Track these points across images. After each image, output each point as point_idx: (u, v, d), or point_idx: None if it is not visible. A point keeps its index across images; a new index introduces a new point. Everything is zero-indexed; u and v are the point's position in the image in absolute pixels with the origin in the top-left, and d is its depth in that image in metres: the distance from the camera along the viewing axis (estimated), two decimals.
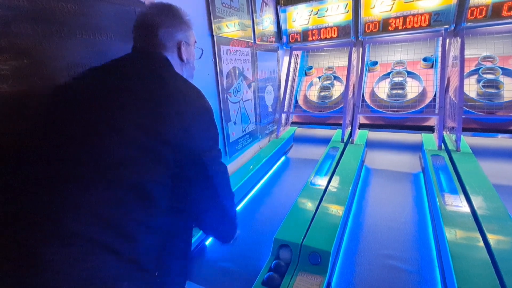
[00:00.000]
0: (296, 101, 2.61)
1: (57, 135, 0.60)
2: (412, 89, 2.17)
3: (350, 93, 2.31)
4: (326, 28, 2.36)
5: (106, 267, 0.52)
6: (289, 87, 2.53)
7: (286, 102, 2.48)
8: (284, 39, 2.56)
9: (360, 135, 2.19)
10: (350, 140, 2.08)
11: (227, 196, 0.78)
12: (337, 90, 2.46)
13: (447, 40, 2.04)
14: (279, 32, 2.54)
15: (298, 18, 2.43)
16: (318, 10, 2.34)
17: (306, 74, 2.73)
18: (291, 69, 2.59)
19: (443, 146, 1.81)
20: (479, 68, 1.98)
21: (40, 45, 0.80)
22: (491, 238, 0.98)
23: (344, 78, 2.39)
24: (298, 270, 0.97)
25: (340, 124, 2.27)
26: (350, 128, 2.23)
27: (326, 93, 2.47)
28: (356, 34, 2.27)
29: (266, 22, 2.28)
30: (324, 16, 2.34)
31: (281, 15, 2.44)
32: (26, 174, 0.56)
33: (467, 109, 1.87)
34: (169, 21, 0.79)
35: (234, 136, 1.87)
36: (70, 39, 0.87)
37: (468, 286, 0.80)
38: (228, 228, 0.83)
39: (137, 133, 0.59)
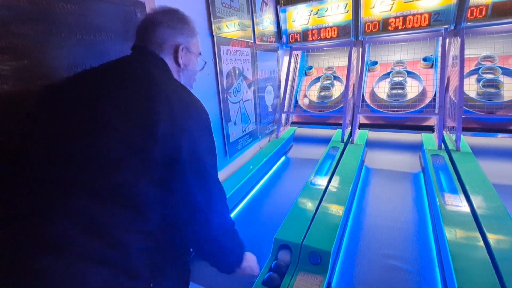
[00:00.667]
0: (296, 101, 2.61)
1: (45, 138, 0.58)
2: (412, 88, 2.17)
3: (350, 93, 2.31)
4: (326, 28, 2.36)
5: (98, 278, 0.51)
6: (289, 87, 2.53)
7: (286, 102, 2.48)
8: (284, 39, 2.56)
9: (360, 135, 2.19)
10: (350, 140, 2.08)
11: (219, 203, 0.73)
12: (337, 90, 2.46)
13: (447, 40, 2.04)
14: (279, 32, 2.54)
15: (298, 18, 2.43)
16: (318, 10, 2.34)
17: (306, 74, 2.73)
18: (291, 69, 2.59)
19: (443, 146, 1.81)
20: (479, 68, 1.98)
21: (40, 46, 0.80)
22: (491, 237, 0.98)
23: (344, 78, 2.39)
24: (298, 270, 0.97)
25: (340, 124, 2.27)
26: (350, 128, 2.23)
27: (326, 93, 2.47)
28: (356, 34, 2.27)
29: (266, 22, 2.28)
30: (324, 16, 2.34)
31: (281, 15, 2.44)
32: (15, 179, 0.55)
33: (467, 109, 1.86)
34: (170, 22, 0.76)
35: (234, 136, 1.87)
36: (70, 39, 0.87)
37: (468, 286, 0.80)
38: (230, 245, 0.79)
39: (126, 134, 0.57)
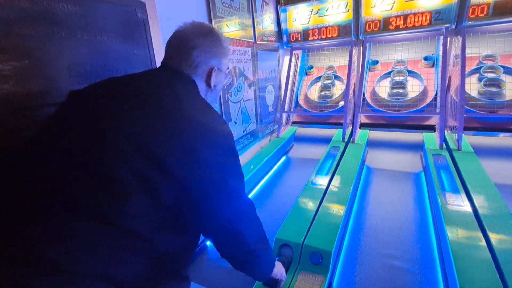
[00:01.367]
0: (297, 101, 2.61)
1: (44, 149, 0.56)
2: (413, 88, 2.17)
3: (351, 93, 2.30)
4: (326, 27, 2.36)
5: None
6: (289, 86, 2.53)
7: (286, 102, 2.47)
8: (285, 38, 2.55)
9: (361, 134, 2.19)
10: (351, 139, 2.08)
11: (254, 240, 0.71)
12: (338, 89, 2.45)
13: (448, 39, 2.03)
14: (279, 32, 2.54)
15: (299, 18, 2.43)
16: (319, 9, 2.33)
17: (306, 74, 2.72)
18: (292, 69, 2.58)
19: (444, 145, 1.80)
20: (481, 67, 1.97)
21: (41, 46, 0.80)
22: (493, 237, 0.97)
23: (345, 78, 2.38)
24: (299, 269, 0.97)
25: (341, 124, 2.26)
26: (351, 127, 2.23)
27: (327, 92, 2.47)
28: (356, 33, 2.27)
29: (267, 22, 2.28)
30: (324, 16, 2.33)
31: (282, 15, 2.44)
32: (10, 196, 0.53)
33: (469, 108, 1.86)
34: (207, 45, 0.73)
35: (234, 136, 1.87)
36: (71, 39, 0.87)
37: (470, 286, 0.79)
38: (265, 255, 0.79)
39: (141, 162, 0.53)
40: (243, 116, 1.98)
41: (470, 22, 1.87)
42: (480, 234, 1.00)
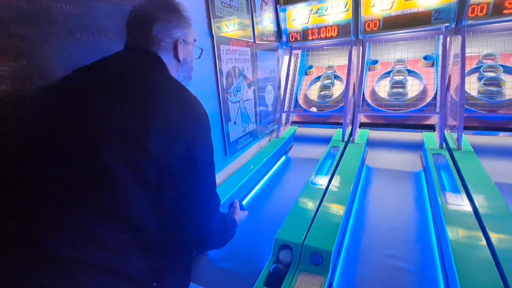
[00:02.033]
0: (296, 101, 2.61)
1: (33, 144, 0.56)
2: (413, 87, 2.16)
3: (351, 92, 2.30)
4: (326, 27, 2.35)
5: (101, 285, 0.50)
6: (289, 86, 2.53)
7: (286, 102, 2.47)
8: (284, 38, 2.55)
9: (361, 134, 2.18)
10: (351, 139, 2.07)
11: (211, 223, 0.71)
12: (338, 89, 2.45)
13: (448, 38, 2.03)
14: (279, 32, 2.53)
15: (298, 17, 2.42)
16: (318, 9, 2.33)
17: (306, 74, 2.72)
18: (291, 69, 2.58)
19: (444, 145, 1.80)
20: (480, 66, 1.97)
21: (39, 46, 0.79)
22: (494, 237, 0.97)
23: (344, 77, 2.38)
24: (299, 270, 0.96)
25: (340, 123, 2.26)
26: (351, 127, 2.22)
27: (327, 92, 2.47)
28: (356, 32, 2.26)
29: (266, 22, 2.27)
30: (324, 15, 2.33)
31: (281, 14, 2.44)
32: (5, 191, 0.53)
33: (468, 108, 1.85)
34: (166, 16, 0.71)
35: (234, 136, 1.86)
36: (69, 39, 0.87)
37: (471, 286, 0.79)
38: (227, 235, 0.81)
39: (119, 143, 0.54)
40: (243, 116, 1.97)
41: (469, 21, 1.87)
42: (480, 234, 0.99)
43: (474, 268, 0.85)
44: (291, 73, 2.57)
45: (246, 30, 1.95)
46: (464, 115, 1.75)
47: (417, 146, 2.00)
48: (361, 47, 2.34)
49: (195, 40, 0.83)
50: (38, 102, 0.63)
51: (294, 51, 2.59)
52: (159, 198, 0.60)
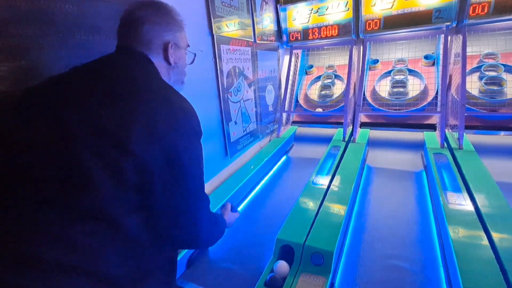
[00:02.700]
0: (297, 100, 2.60)
1: (8, 144, 0.55)
2: (414, 87, 2.16)
3: (351, 92, 2.30)
4: (326, 26, 2.35)
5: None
6: (289, 86, 2.52)
7: (286, 101, 2.46)
8: (284, 38, 2.54)
9: (362, 133, 2.18)
10: (352, 139, 2.07)
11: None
12: (338, 88, 2.44)
13: (449, 38, 2.02)
14: (279, 31, 2.53)
15: (298, 17, 2.42)
16: (318, 8, 2.32)
17: (306, 73, 2.71)
18: (292, 68, 2.57)
19: (445, 144, 1.79)
20: (481, 65, 1.96)
21: (38, 46, 0.79)
22: (496, 236, 0.97)
23: (345, 77, 2.37)
24: (301, 271, 0.96)
25: (341, 123, 2.25)
26: (352, 126, 2.22)
27: (327, 91, 2.46)
28: (356, 32, 2.26)
29: (266, 21, 2.27)
30: (324, 15, 2.32)
31: (281, 14, 2.43)
32: None
33: (469, 107, 1.85)
34: (156, 18, 0.70)
35: (235, 136, 1.86)
36: (68, 40, 0.86)
37: (474, 286, 0.79)
38: (217, 235, 0.79)
39: (97, 142, 0.53)
40: (243, 116, 1.97)
41: (470, 21, 1.86)
42: (482, 233, 0.99)
43: (477, 267, 0.85)
44: (291, 73, 2.57)
45: (246, 30, 1.95)
46: (465, 114, 1.75)
47: (418, 146, 2.00)
48: (361, 47, 2.33)
49: (188, 46, 0.82)
50: (19, 102, 0.62)
51: (294, 51, 2.58)
52: (142, 198, 0.59)
